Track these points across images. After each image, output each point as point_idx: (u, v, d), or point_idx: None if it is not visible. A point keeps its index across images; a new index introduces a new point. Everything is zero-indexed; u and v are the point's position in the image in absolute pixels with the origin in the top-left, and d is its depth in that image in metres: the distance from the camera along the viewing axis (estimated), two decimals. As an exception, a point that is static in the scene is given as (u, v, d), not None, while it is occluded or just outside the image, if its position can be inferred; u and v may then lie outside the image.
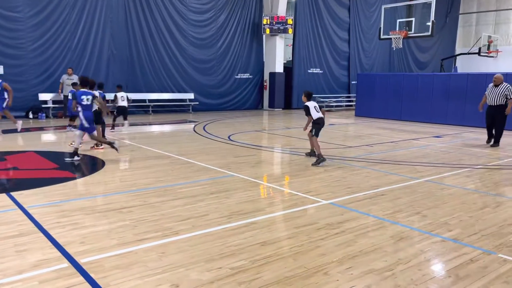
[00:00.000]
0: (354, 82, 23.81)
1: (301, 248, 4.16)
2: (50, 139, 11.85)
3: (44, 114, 15.59)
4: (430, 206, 5.67)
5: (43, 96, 15.72)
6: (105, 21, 16.95)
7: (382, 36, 17.75)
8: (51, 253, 3.93)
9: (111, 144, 8.56)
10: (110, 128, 12.53)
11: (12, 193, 5.84)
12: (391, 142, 11.67)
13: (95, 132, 8.82)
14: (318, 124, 8.48)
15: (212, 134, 12.47)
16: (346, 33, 24.89)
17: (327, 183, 6.81)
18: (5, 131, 12.13)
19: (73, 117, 11.56)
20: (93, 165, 8.03)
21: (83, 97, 8.25)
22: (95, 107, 9.35)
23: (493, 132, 11.13)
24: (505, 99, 10.69)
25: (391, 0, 25.28)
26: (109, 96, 13.27)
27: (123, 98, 12.35)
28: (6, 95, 11.53)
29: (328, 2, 23.55)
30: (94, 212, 5.15)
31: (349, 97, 25.01)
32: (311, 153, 8.98)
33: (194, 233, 4.51)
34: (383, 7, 18.31)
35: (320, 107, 8.75)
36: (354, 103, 22.09)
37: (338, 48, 24.60)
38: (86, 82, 8.55)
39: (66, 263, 3.73)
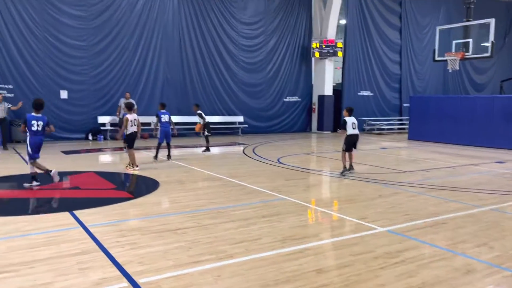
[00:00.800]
0: (406, 104, 23.19)
1: (359, 277, 4.01)
2: (108, 160, 12.39)
3: (102, 136, 16.37)
4: (497, 237, 5.31)
5: (102, 119, 16.54)
6: (160, 48, 17.73)
7: (436, 58, 17.22)
8: (112, 272, 4.04)
9: (47, 172, 7.90)
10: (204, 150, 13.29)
11: (75, 212, 6.11)
12: (449, 167, 11.14)
13: (38, 160, 7.97)
14: (350, 140, 9.17)
15: (262, 156, 12.52)
16: (397, 55, 24.44)
17: (382, 209, 6.58)
18: (66, 152, 12.83)
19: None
20: (148, 185, 8.26)
21: (33, 122, 7.65)
22: (132, 129, 9.79)
23: None
24: None
25: (445, 21, 24.63)
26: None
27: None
28: None
29: (378, 25, 23.32)
30: (150, 233, 5.27)
31: (401, 120, 24.34)
32: (349, 169, 9.46)
33: (248, 257, 4.48)
34: (437, 28, 17.84)
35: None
36: (406, 126, 21.45)
37: (389, 70, 24.17)
38: (39, 106, 7.86)
39: (125, 283, 3.81)
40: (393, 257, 4.54)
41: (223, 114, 19.65)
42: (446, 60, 16.59)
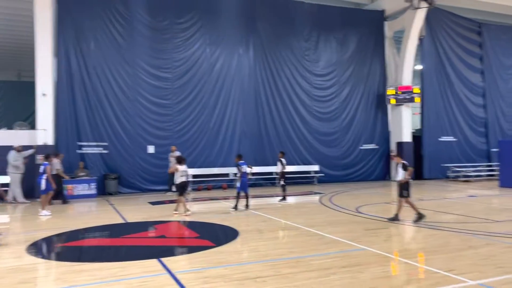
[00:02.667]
0: (495, 149, 21.66)
1: (449, 333, 3.79)
2: (191, 210, 12.97)
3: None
4: None
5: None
6: (238, 103, 18.70)
7: (525, 99, 16.17)
8: (197, 317, 4.23)
9: None
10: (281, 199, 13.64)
11: (162, 259, 6.50)
12: (549, 216, 10.10)
13: None
14: (410, 185, 9.41)
15: (339, 205, 12.33)
16: (480, 98, 23.23)
17: (472, 261, 6.15)
18: (153, 203, 13.69)
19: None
20: (228, 234, 8.52)
21: None
22: (181, 179, 10.90)
23: None
24: None
25: (532, 60, 23.24)
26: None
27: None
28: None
29: (458, 68, 22.56)
30: (232, 280, 5.43)
31: (490, 166, 22.65)
32: (419, 217, 9.26)
33: (330, 307, 4.43)
34: (523, 68, 16.93)
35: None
36: (497, 173, 19.90)
37: (472, 114, 22.96)
38: None
39: (210, 327, 3.97)
40: (487, 312, 4.22)
41: (298, 164, 19.81)
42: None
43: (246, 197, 11.83)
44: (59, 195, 13.79)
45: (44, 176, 11.50)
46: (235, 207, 11.64)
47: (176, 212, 11.11)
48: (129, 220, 10.41)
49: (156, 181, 17.15)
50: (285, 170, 13.88)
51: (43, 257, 7.06)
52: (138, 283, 5.36)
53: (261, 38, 19.19)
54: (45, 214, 11.29)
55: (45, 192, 11.58)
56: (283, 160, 13.74)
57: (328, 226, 9.09)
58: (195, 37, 18.06)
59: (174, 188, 12.96)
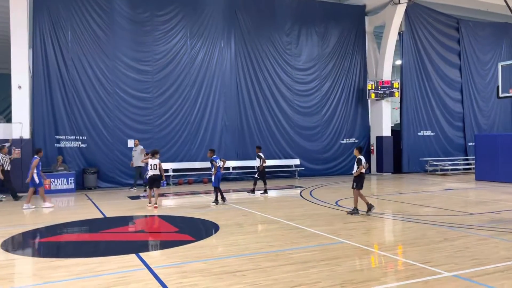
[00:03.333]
0: (471, 143, 22.15)
1: (423, 324, 3.86)
2: (170, 204, 12.91)
3: (165, 182, 17.09)
4: None
5: (164, 165, 17.27)
6: (219, 96, 18.61)
7: (501, 95, 16.47)
8: (175, 312, 4.20)
9: None
10: (249, 191, 13.72)
11: (140, 254, 6.44)
12: (522, 208, 10.39)
13: None
14: (363, 178, 9.80)
15: (319, 199, 12.43)
16: (458, 93, 23.68)
17: (448, 253, 6.28)
18: (132, 197, 13.55)
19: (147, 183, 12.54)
20: (208, 228, 8.50)
21: None
22: (151, 173, 11.20)
23: None
24: None
25: (509, 56, 23.75)
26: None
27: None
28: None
29: (436, 63, 22.91)
30: (211, 275, 5.41)
31: (467, 159, 23.17)
32: (370, 207, 9.75)
33: (307, 300, 4.46)
34: (499, 64, 17.21)
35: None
36: (473, 166, 20.37)
37: (450, 109, 23.39)
38: None
39: (188, 322, 3.95)
40: (460, 303, 4.32)
41: (279, 158, 19.88)
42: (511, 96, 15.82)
43: (220, 191, 11.81)
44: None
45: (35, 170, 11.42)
46: (216, 201, 11.62)
47: (149, 205, 11.34)
48: (108, 215, 10.28)
49: (135, 175, 16.95)
50: (265, 164, 13.91)
51: (19, 253, 6.91)
52: (115, 279, 5.30)
53: (242, 31, 19.10)
54: (48, 205, 11.55)
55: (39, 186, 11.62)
56: (261, 154, 13.74)
57: (308, 220, 9.15)
58: (175, 29, 17.85)
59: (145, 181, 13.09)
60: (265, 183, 13.94)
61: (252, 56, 19.36)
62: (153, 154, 11.55)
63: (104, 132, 16.47)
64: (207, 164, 17.90)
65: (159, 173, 11.44)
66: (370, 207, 9.79)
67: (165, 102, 17.59)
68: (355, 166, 9.88)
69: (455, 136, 23.48)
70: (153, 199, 11.44)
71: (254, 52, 19.40)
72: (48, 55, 15.72)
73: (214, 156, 11.78)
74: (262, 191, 13.79)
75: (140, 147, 15.45)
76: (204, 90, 18.36)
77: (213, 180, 11.71)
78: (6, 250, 6.96)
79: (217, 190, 11.68)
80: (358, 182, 9.81)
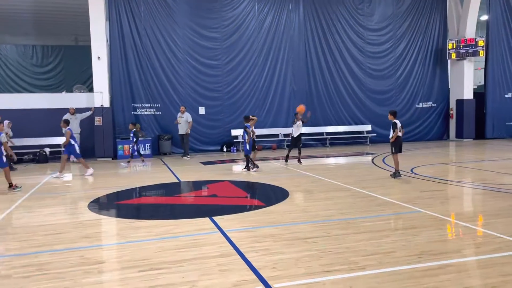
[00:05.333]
0: None
1: (512, 301, 3.58)
2: (240, 170, 13.15)
3: (235, 148, 17.45)
4: None
5: (234, 132, 17.64)
6: (287, 61, 18.30)
7: None
8: (248, 275, 4.29)
9: None
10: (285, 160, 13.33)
11: (214, 217, 6.64)
12: None
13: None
14: (400, 142, 9.81)
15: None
16: (553, 49, 21.14)
17: (540, 227, 5.74)
18: (205, 163, 14.00)
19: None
20: (278, 195, 8.54)
21: None
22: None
23: None
24: None
25: None
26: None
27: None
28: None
29: (529, 17, 20.53)
30: (282, 240, 5.44)
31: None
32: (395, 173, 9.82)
33: (382, 270, 4.33)
34: None
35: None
36: None
37: (544, 67, 21.00)
38: None
39: (261, 286, 4.01)
40: (556, 281, 3.94)
41: (349, 124, 19.33)
42: None
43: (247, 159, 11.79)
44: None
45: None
46: (247, 168, 11.70)
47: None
48: (182, 180, 10.73)
49: (208, 142, 17.50)
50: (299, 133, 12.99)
51: (104, 213, 7.45)
52: (191, 240, 5.52)
53: (311, -8, 18.40)
54: (89, 173, 11.75)
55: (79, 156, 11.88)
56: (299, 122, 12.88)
57: (381, 188, 8.85)
58: (243, -6, 17.64)
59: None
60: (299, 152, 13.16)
61: (322, 17, 18.66)
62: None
63: (176, 100, 17.00)
64: (276, 131, 18.02)
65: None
66: (396, 174, 9.93)
67: (234, 69, 17.68)
68: (391, 131, 9.81)
69: (549, 98, 21.18)
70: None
71: (324, 14, 18.67)
72: (123, 26, 16.36)
73: (247, 124, 11.69)
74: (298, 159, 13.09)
75: (187, 114, 15.65)
76: (272, 55, 18.14)
77: (247, 147, 11.66)
78: (93, 210, 7.54)
79: (248, 157, 11.66)
80: (396, 146, 9.84)
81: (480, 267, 4.49)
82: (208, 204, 8.09)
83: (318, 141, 18.92)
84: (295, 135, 12.79)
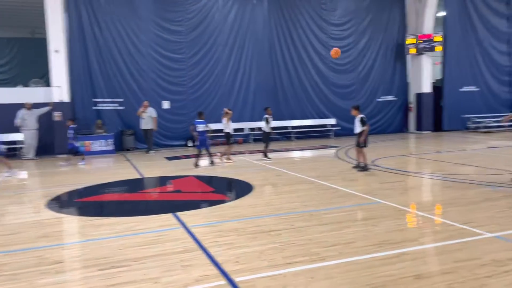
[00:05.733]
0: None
1: (462, 285, 3.76)
2: (206, 164, 13.08)
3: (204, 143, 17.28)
4: None
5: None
6: (252, 55, 18.30)
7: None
8: (211, 270, 4.30)
9: None
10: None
11: (177, 213, 6.59)
12: None
13: None
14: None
15: (355, 159, 12.21)
16: (505, 46, 22.16)
17: (490, 214, 6.05)
18: (169, 158, 13.84)
19: None
20: (243, 189, 8.58)
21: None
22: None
23: None
24: None
25: None
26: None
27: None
28: None
29: (482, 13, 21.40)
30: (246, 234, 5.48)
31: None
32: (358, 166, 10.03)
33: (342, 260, 4.45)
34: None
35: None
36: (520, 123, 19.35)
37: (496, 62, 22.01)
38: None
39: (223, 281, 4.03)
40: (502, 265, 4.17)
41: (314, 117, 19.60)
42: None
43: (209, 154, 11.85)
44: None
45: None
46: (196, 164, 11.60)
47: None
48: (146, 176, 10.57)
49: (172, 137, 17.29)
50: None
51: (64, 212, 7.24)
52: (154, 237, 5.47)
53: (275, -14, 18.45)
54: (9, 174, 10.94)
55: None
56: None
57: (343, 180, 9.05)
58: (206, -13, 17.46)
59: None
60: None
61: (286, 12, 18.76)
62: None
63: (139, 94, 16.67)
64: (241, 125, 18.01)
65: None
66: (359, 165, 10.18)
67: (198, 62, 17.51)
68: (359, 125, 10.03)
69: (501, 91, 22.23)
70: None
71: (288, 8, 18.76)
72: (82, 18, 15.83)
73: (196, 120, 11.79)
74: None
75: (151, 109, 15.43)
76: (237, 50, 18.10)
77: (197, 143, 11.74)
78: (51, 209, 7.31)
79: (199, 153, 11.69)
80: (365, 141, 10.07)
81: (434, 254, 4.69)
82: (172, 200, 8.02)
83: (283, 135, 19.09)
84: (267, 130, 12.67)
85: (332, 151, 14.68)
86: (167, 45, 17.02)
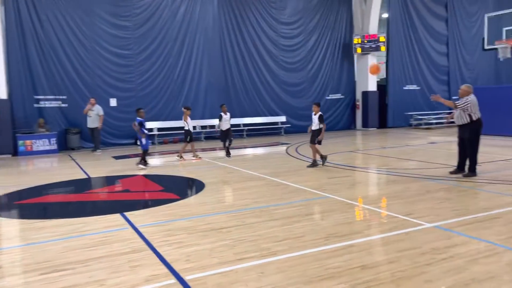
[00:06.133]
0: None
1: (404, 273, 3.95)
2: (155, 163, 12.82)
3: (150, 141, 16.89)
4: (555, 231, 5.02)
5: (149, 124, 17.09)
6: (203, 52, 18.12)
7: (486, 47, 16.43)
8: (160, 270, 4.22)
9: None
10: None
11: (125, 213, 6.41)
12: (503, 160, 10.61)
13: None
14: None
15: (305, 155, 12.48)
16: (444, 47, 23.51)
17: (430, 205, 6.39)
18: (117, 157, 13.43)
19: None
20: (194, 187, 8.49)
21: None
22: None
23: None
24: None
25: (495, 8, 23.39)
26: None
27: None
28: None
29: (423, 16, 22.54)
30: (197, 232, 5.43)
31: (450, 113, 23.31)
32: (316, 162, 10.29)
33: (292, 254, 4.52)
34: (486, 16, 17.03)
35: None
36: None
37: (436, 62, 23.29)
38: None
39: (173, 279, 3.97)
40: (440, 253, 4.42)
41: (265, 115, 19.77)
42: (496, 49, 15.79)
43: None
44: None
45: None
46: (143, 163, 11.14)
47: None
48: (92, 175, 10.18)
49: (120, 135, 16.78)
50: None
51: (3, 215, 6.82)
52: (100, 238, 5.28)
53: (225, -17, 18.38)
54: None
55: None
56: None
57: (293, 176, 9.20)
58: (154, -18, 17.06)
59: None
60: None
61: (236, 9, 18.74)
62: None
63: (84, 91, 16.02)
64: (192, 123, 17.76)
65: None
66: (319, 161, 10.43)
67: (146, 59, 17.09)
68: (317, 123, 10.23)
69: (440, 90, 23.51)
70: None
71: (238, 6, 18.76)
72: (21, 11, 14.94)
73: (140, 119, 11.15)
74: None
75: (98, 107, 14.93)
76: (187, 46, 17.85)
77: (142, 142, 11.06)
78: (-12, 212, 6.86)
79: (145, 153, 11.12)
80: (316, 136, 10.28)
81: (379, 245, 4.88)
82: (119, 199, 7.78)
83: (235, 133, 18.97)
84: (224, 129, 12.41)
85: (283, 148, 14.89)
86: (114, 41, 16.47)
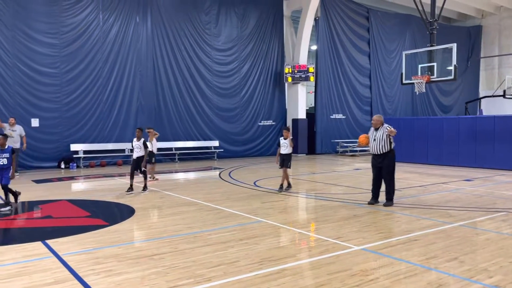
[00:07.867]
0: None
1: (335, 295, 4.08)
2: (81, 188, 12.17)
3: (75, 164, 16.07)
4: (467, 251, 5.49)
5: (74, 147, 16.28)
6: (134, 74, 17.76)
7: (404, 82, 17.88)
8: (87, 300, 3.97)
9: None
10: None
11: (47, 241, 5.98)
12: (420, 186, 11.47)
13: None
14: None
15: (238, 180, 12.55)
16: (367, 79, 25.23)
17: (357, 228, 6.71)
18: (38, 181, 12.54)
19: None
20: (123, 212, 8.16)
21: None
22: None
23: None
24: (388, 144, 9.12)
25: (411, 46, 25.72)
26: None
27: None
28: None
29: (348, 50, 24.11)
30: (127, 259, 5.20)
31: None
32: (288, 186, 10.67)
33: (226, 280, 4.49)
34: (403, 53, 18.59)
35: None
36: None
37: (360, 93, 24.87)
38: None
39: (102, 310, 3.75)
40: (368, 274, 4.63)
41: (198, 139, 19.68)
42: (413, 83, 17.24)
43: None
44: None
45: None
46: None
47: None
48: (10, 201, 9.36)
49: (42, 158, 15.75)
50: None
51: None
52: (18, 268, 4.86)
53: (159, 7, 18.33)
54: None
55: None
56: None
57: (226, 201, 9.19)
58: (85, 0, 16.55)
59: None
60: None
61: (170, 33, 18.72)
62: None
63: (3, 110, 14.90)
64: (121, 146, 17.22)
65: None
66: (287, 186, 10.72)
67: (74, 78, 16.36)
68: (285, 146, 10.58)
69: (364, 119, 25.04)
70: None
71: (172, 30, 18.76)
72: None
73: None
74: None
75: (20, 127, 14.03)
76: (118, 68, 17.40)
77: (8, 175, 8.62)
78: None
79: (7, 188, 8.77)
80: (290, 160, 10.67)
81: (311, 268, 5.01)
82: (40, 226, 7.23)
83: (167, 156, 18.74)
84: (134, 157, 10.56)
85: (216, 172, 14.85)
86: (38, 58, 15.59)
